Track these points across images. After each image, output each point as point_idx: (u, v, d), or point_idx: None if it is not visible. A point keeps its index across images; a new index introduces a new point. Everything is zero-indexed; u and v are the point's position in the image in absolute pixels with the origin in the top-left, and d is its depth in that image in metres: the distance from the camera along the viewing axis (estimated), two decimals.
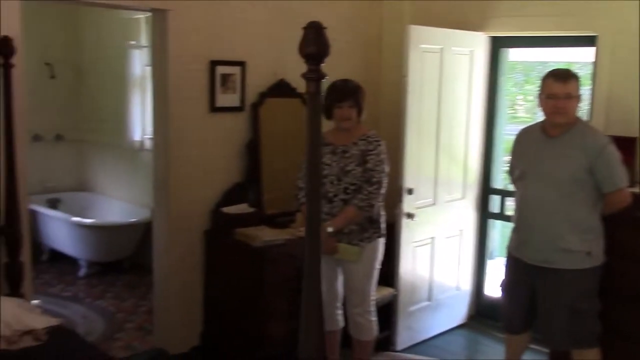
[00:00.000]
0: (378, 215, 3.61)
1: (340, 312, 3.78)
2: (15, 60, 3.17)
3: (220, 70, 4.13)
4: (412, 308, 4.48)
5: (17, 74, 3.23)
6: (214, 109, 4.15)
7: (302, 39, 1.73)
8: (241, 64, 4.22)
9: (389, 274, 4.23)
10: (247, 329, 3.95)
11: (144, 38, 5.69)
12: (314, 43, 1.71)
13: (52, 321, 2.98)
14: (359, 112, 3.55)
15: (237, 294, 4.00)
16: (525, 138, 3.53)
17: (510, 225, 3.64)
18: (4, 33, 3.13)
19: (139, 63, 5.81)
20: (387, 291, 4.26)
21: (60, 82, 6.41)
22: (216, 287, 4.19)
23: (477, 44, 4.59)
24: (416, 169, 4.30)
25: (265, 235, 3.94)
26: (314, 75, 1.74)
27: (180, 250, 4.14)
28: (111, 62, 6.14)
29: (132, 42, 5.83)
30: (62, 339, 2.82)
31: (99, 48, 6.37)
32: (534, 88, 5.09)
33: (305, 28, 1.72)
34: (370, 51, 4.97)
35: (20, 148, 3.30)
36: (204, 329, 4.30)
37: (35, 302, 4.77)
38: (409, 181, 4.25)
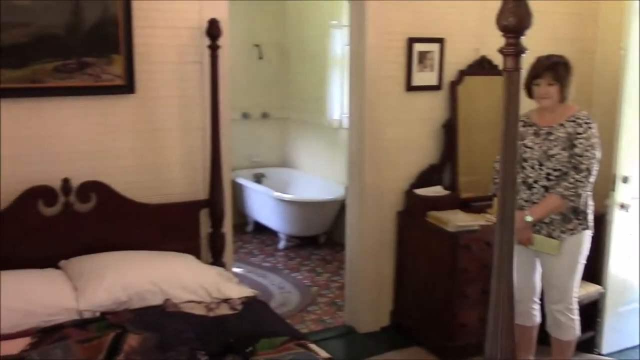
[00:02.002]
0: (585, 206, 3.26)
1: (537, 307, 3.51)
2: (221, 42, 3.33)
3: (418, 47, 4.01)
4: (622, 309, 4.04)
5: (223, 55, 3.40)
6: (410, 87, 4.06)
7: (500, 9, 1.56)
8: (440, 40, 4.06)
9: (595, 270, 3.85)
10: (438, 313, 3.85)
11: (345, 17, 5.73)
12: (513, 14, 1.54)
13: (248, 292, 3.12)
14: (561, 90, 3.21)
15: (429, 277, 3.91)
16: None
17: None
18: (212, 16, 3.29)
19: (340, 43, 5.87)
20: (593, 288, 3.87)
21: (267, 62, 6.73)
22: (407, 268, 4.14)
23: None
24: (634, 154, 3.83)
25: (459, 219, 3.78)
26: (512, 50, 1.58)
27: (373, 229, 4.13)
28: (314, 42, 6.30)
29: (334, 22, 5.91)
30: (255, 310, 2.94)
31: (303, 29, 6.56)
32: None
33: None
34: (583, 23, 4.50)
35: (225, 126, 3.47)
36: (394, 308, 4.27)
37: (237, 270, 5.11)
38: (624, 168, 3.81)
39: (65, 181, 3.12)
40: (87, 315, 2.74)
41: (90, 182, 3.18)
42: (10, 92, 3.03)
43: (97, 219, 3.19)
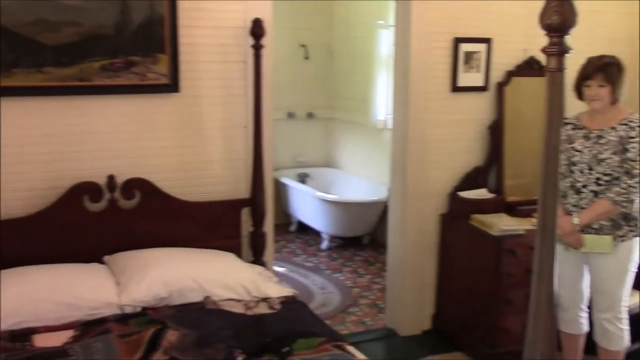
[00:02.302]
0: (636, 212, 3.15)
1: (584, 315, 3.41)
2: (265, 41, 3.34)
3: (464, 47, 3.95)
4: None
5: (267, 54, 3.40)
6: (456, 88, 4.00)
7: (543, 8, 1.51)
8: (487, 40, 3.99)
9: None
10: (481, 319, 3.78)
11: (391, 17, 5.68)
12: (557, 12, 1.48)
13: (287, 291, 3.12)
14: (613, 92, 3.10)
15: (472, 281, 3.84)
16: None
17: None
18: (256, 16, 3.31)
19: (386, 43, 5.83)
20: None
21: (313, 62, 6.73)
22: (450, 271, 4.07)
23: None
24: None
25: (503, 223, 3.70)
26: (555, 49, 1.52)
27: (415, 231, 4.08)
28: (360, 42, 6.28)
29: (381, 22, 5.87)
30: (293, 310, 2.93)
31: (349, 29, 6.54)
32: None
33: None
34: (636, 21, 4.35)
35: (267, 125, 3.48)
36: (436, 312, 4.21)
37: (280, 269, 5.12)
38: None
39: (111, 178, 3.18)
40: (128, 310, 2.79)
41: (134, 179, 3.23)
42: (60, 90, 3.10)
43: (140, 216, 3.24)
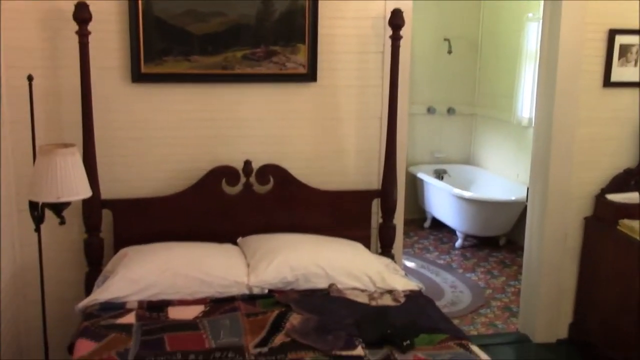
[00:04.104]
0: None
1: None
2: (404, 32, 3.29)
3: (620, 40, 3.67)
4: None
5: (405, 46, 3.36)
6: (608, 83, 3.73)
7: None
8: None
9: None
10: (626, 333, 3.48)
11: (542, 10, 5.40)
12: None
13: (413, 285, 3.07)
14: None
15: (619, 291, 3.55)
16: None
17: None
18: (396, 7, 3.27)
19: (535, 37, 5.55)
20: None
21: (456, 57, 6.56)
22: (593, 279, 3.80)
23: None
24: None
25: None
26: None
27: (555, 233, 3.86)
28: (507, 36, 6.04)
29: (530, 15, 5.60)
30: (418, 304, 2.87)
31: (496, 22, 6.32)
32: None
33: None
34: None
35: (402, 117, 3.44)
36: (574, 321, 3.96)
37: (410, 264, 5.07)
38: None
39: (247, 163, 3.29)
40: (256, 291, 2.88)
41: (269, 166, 3.32)
42: (204, 77, 3.26)
43: (273, 201, 3.34)
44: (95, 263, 3.09)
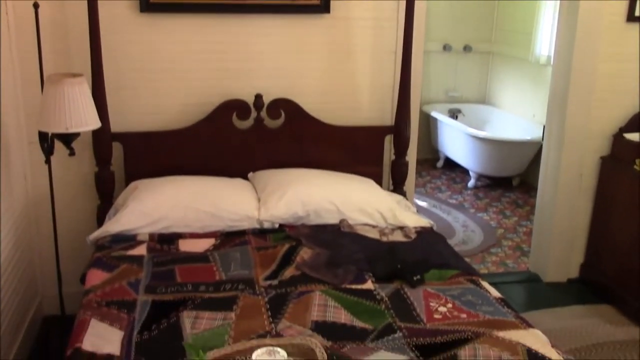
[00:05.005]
0: None
1: None
2: None
3: None
4: None
5: None
6: (633, 18, 3.59)
7: None
8: None
9: None
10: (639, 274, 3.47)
11: None
12: None
13: (424, 222, 3.05)
14: None
15: (633, 232, 3.51)
16: None
17: None
18: None
19: None
20: None
21: None
22: (607, 219, 3.76)
23: None
24: None
25: None
26: None
27: (570, 173, 3.81)
28: None
29: None
30: (429, 241, 2.86)
31: None
32: None
33: None
34: None
35: (417, 53, 3.34)
36: (586, 260, 3.95)
37: (422, 203, 5.05)
38: None
39: (258, 97, 3.23)
40: (266, 225, 2.87)
41: (281, 100, 3.26)
42: (213, 7, 3.17)
43: (284, 136, 3.29)
44: (106, 196, 3.09)
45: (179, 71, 3.21)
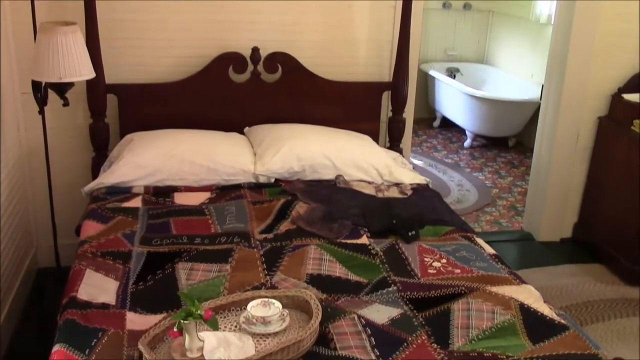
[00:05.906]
0: None
1: None
2: None
3: None
4: None
5: None
6: None
7: None
8: None
9: None
10: (631, 234, 3.48)
11: None
12: None
13: (420, 179, 3.05)
14: None
15: (626, 193, 3.52)
16: None
17: None
18: None
19: None
20: None
21: None
22: (602, 180, 3.76)
23: None
24: None
25: None
26: None
27: (567, 133, 3.79)
28: None
29: None
30: (425, 197, 2.86)
31: None
32: None
33: None
34: None
35: (417, 7, 3.29)
36: (579, 221, 3.97)
37: (418, 162, 5.05)
38: None
39: (255, 50, 3.18)
40: (262, 179, 2.87)
41: (278, 53, 3.22)
42: None
43: (281, 90, 3.26)
44: (101, 148, 3.07)
45: (175, 22, 3.15)
